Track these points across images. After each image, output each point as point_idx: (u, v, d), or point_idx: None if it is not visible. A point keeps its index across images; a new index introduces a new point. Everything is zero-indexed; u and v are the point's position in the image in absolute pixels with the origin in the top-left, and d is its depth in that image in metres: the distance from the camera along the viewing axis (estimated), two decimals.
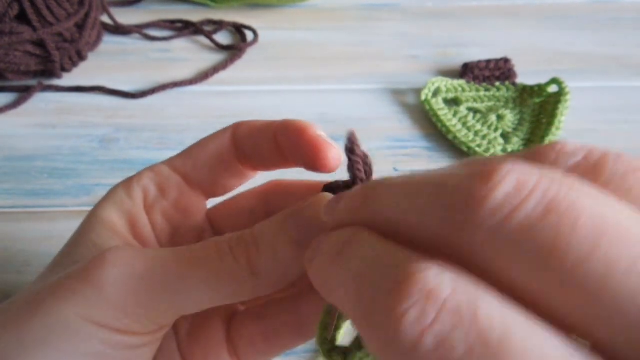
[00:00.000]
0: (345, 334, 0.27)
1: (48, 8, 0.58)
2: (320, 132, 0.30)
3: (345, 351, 0.26)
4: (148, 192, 0.31)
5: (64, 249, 0.30)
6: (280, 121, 0.31)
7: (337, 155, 0.29)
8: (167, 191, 0.32)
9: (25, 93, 0.60)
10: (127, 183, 0.31)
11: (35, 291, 0.26)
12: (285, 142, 0.30)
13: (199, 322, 0.32)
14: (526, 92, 0.58)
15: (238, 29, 0.68)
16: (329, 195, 0.27)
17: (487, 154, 0.52)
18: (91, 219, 0.30)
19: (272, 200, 0.34)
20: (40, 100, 0.60)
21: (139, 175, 0.32)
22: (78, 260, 0.28)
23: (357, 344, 0.26)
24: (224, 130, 0.32)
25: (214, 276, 0.26)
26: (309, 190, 0.32)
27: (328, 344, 0.26)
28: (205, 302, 0.26)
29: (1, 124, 0.57)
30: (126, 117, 0.58)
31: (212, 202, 0.35)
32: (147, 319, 0.25)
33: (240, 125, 0.32)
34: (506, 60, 0.60)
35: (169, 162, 0.32)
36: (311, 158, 0.29)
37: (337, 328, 0.27)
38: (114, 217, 0.30)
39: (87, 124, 0.57)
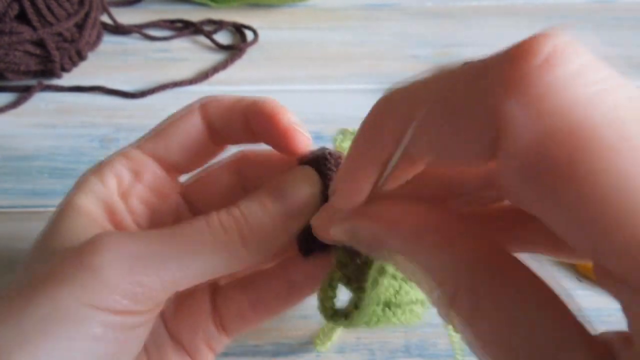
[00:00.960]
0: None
1: (48, 8, 0.58)
2: (290, 117, 0.31)
3: (346, 313, 0.29)
4: (122, 178, 0.31)
5: (40, 242, 0.29)
6: (250, 101, 0.32)
7: (305, 142, 0.31)
8: (141, 175, 0.31)
9: (25, 93, 0.60)
10: (99, 170, 0.31)
11: (26, 282, 0.26)
12: (256, 124, 0.31)
13: (183, 300, 0.33)
14: None
15: (238, 29, 0.68)
16: (308, 169, 0.30)
17: None
18: (66, 209, 0.29)
19: (245, 172, 0.35)
20: (40, 100, 0.60)
21: (110, 161, 0.31)
22: (57, 251, 0.27)
23: (355, 304, 0.29)
24: (191, 108, 0.32)
25: (207, 250, 0.27)
26: (281, 161, 0.33)
27: (330, 309, 0.29)
28: (199, 275, 0.27)
29: (1, 123, 0.57)
30: (126, 117, 0.58)
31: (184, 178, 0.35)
32: (145, 297, 0.26)
33: (208, 103, 0.32)
34: None
35: (140, 145, 0.32)
36: (281, 143, 0.31)
37: (334, 295, 0.30)
38: (90, 206, 0.29)
39: (87, 124, 0.57)
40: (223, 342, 0.34)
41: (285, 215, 0.29)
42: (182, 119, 0.32)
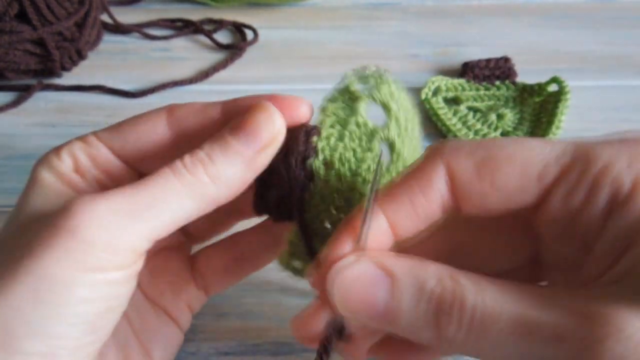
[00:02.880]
0: None
1: (48, 7, 0.58)
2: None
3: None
4: (78, 159, 0.32)
5: (11, 218, 0.30)
6: (229, 101, 0.32)
7: (308, 103, 0.31)
8: (98, 161, 0.32)
9: (25, 92, 0.60)
10: (57, 151, 0.32)
11: (9, 258, 0.26)
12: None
13: (160, 265, 0.36)
14: (526, 91, 0.58)
15: (238, 28, 0.68)
16: (267, 104, 0.30)
17: None
18: (31, 185, 0.31)
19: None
20: (40, 99, 0.60)
21: (69, 144, 0.32)
22: (31, 221, 0.28)
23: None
24: (157, 110, 0.32)
25: (177, 194, 0.28)
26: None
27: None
28: (175, 220, 0.28)
29: (1, 123, 0.57)
30: (126, 117, 0.57)
31: None
32: (126, 249, 0.27)
33: (176, 108, 0.32)
34: (506, 59, 0.60)
35: (97, 134, 0.33)
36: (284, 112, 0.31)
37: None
38: (52, 179, 0.30)
39: (87, 123, 0.57)
40: (202, 301, 0.37)
41: (250, 151, 0.30)
42: (143, 119, 0.32)
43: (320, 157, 0.31)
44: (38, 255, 0.26)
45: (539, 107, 0.56)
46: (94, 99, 0.60)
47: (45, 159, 0.32)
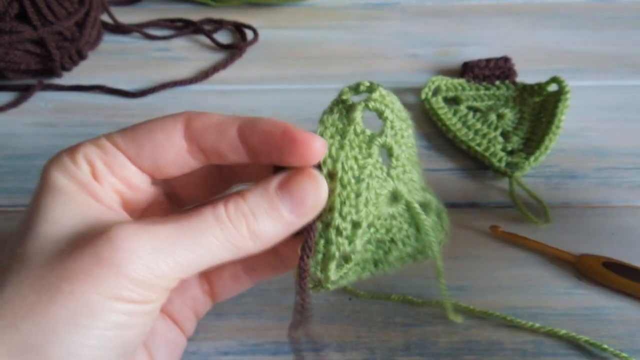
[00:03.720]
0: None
1: (48, 7, 0.58)
2: (296, 127, 0.31)
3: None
4: (95, 166, 0.31)
5: (28, 226, 0.29)
6: (247, 122, 0.31)
7: (321, 143, 0.31)
8: (114, 168, 0.31)
9: (25, 92, 0.60)
10: (71, 154, 0.31)
11: (41, 283, 0.27)
12: (256, 140, 0.31)
13: None
14: (526, 91, 0.58)
15: (238, 28, 0.68)
16: (316, 173, 0.31)
17: (487, 153, 0.52)
18: (49, 191, 0.30)
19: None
20: (41, 99, 0.60)
21: (83, 148, 0.31)
22: (58, 239, 0.28)
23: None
24: (174, 119, 0.32)
25: (217, 244, 0.29)
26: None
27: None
28: (209, 265, 0.30)
29: (1, 123, 0.57)
30: (126, 116, 0.58)
31: None
32: (160, 287, 0.28)
33: (193, 119, 0.32)
34: (506, 59, 0.60)
35: (112, 139, 0.32)
36: (295, 153, 0.30)
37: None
38: (71, 187, 0.30)
39: (88, 123, 0.57)
40: (208, 307, 0.38)
41: (293, 217, 0.31)
42: (160, 127, 0.32)
43: (324, 169, 0.32)
44: (79, 282, 0.26)
45: (539, 107, 0.56)
46: (94, 99, 0.60)
47: (59, 162, 0.31)
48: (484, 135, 0.54)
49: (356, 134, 0.32)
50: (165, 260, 0.28)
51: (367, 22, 0.69)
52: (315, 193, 0.31)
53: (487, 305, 0.42)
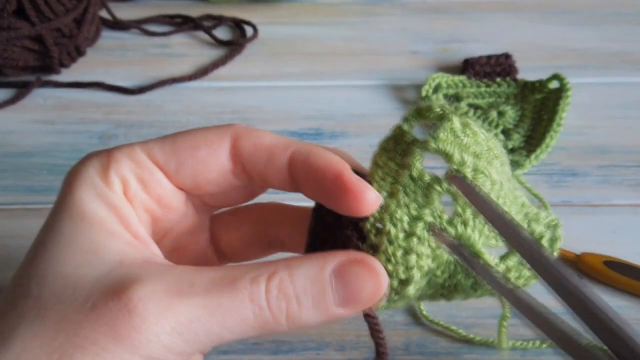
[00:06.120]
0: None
1: (46, 3, 0.57)
2: (351, 174, 0.27)
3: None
4: (128, 184, 0.28)
5: (49, 253, 0.26)
6: (301, 152, 0.28)
7: (374, 199, 0.27)
8: (149, 186, 0.29)
9: (23, 89, 0.59)
10: (104, 171, 0.28)
11: (53, 347, 0.24)
12: (305, 176, 0.28)
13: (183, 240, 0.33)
14: (527, 88, 0.58)
15: (237, 24, 0.68)
16: (370, 258, 0.27)
17: None
18: (73, 215, 0.27)
19: (270, 220, 0.33)
20: (39, 96, 0.59)
21: (115, 161, 0.28)
22: (80, 278, 0.25)
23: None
24: (220, 134, 0.29)
25: (245, 327, 0.25)
26: (309, 217, 0.30)
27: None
28: (236, 338, 0.26)
29: None
30: (125, 113, 0.58)
31: None
32: (185, 353, 0.25)
33: (242, 136, 0.29)
34: (507, 56, 0.60)
35: (149, 151, 0.29)
36: (343, 202, 0.27)
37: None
38: (100, 212, 0.27)
39: (86, 120, 0.57)
40: None
41: (340, 312, 0.27)
42: (204, 143, 0.29)
43: (371, 218, 0.28)
44: (91, 355, 0.24)
45: (540, 104, 0.56)
46: (92, 95, 0.60)
47: (88, 179, 0.28)
48: None
49: (412, 180, 0.28)
50: (185, 341, 0.25)
51: (368, 19, 0.69)
52: (374, 292, 0.27)
53: (487, 304, 0.42)
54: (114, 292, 0.24)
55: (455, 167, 0.27)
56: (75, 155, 0.53)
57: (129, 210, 0.28)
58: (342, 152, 0.30)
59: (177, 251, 0.32)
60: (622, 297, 0.42)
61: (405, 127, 0.28)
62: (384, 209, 0.27)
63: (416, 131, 0.29)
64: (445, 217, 0.28)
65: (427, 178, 0.27)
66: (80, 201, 0.27)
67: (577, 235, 0.46)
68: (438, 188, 0.27)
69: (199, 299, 0.25)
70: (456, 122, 0.28)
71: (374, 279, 0.27)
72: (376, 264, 0.27)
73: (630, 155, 0.52)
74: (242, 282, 0.25)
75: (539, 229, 0.29)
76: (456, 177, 0.27)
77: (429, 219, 0.27)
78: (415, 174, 0.27)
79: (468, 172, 0.27)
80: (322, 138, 0.55)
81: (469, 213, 0.28)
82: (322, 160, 0.28)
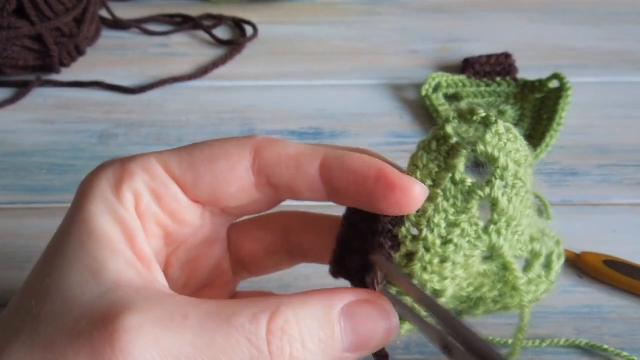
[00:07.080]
0: None
1: (46, 3, 0.57)
2: (394, 170, 0.26)
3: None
4: (140, 199, 0.27)
5: (50, 265, 0.26)
6: (332, 157, 0.27)
7: (422, 192, 0.26)
8: (163, 200, 0.28)
9: (23, 88, 0.59)
10: (117, 184, 0.27)
11: (71, 338, 0.23)
12: (345, 184, 0.27)
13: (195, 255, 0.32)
14: (527, 88, 0.58)
15: (237, 24, 0.68)
16: (380, 298, 0.26)
17: None
18: (81, 230, 0.26)
19: (294, 228, 0.33)
20: (39, 96, 0.59)
21: (129, 175, 0.27)
22: (71, 289, 0.25)
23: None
24: (240, 146, 0.28)
25: None
26: (333, 226, 0.29)
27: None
28: None
29: None
30: (125, 113, 0.58)
31: None
32: None
33: (264, 148, 0.27)
34: (507, 56, 0.60)
35: (165, 164, 0.28)
36: (389, 200, 0.26)
37: None
38: (108, 228, 0.26)
39: (86, 120, 0.57)
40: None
41: (348, 355, 0.25)
42: (224, 156, 0.27)
43: (407, 223, 0.27)
44: None
45: (540, 104, 0.56)
46: (92, 95, 0.60)
47: (100, 192, 0.27)
48: None
49: (454, 183, 0.27)
50: None
51: (368, 18, 0.69)
52: (386, 336, 0.25)
53: None
54: (102, 319, 0.23)
55: (499, 171, 0.26)
56: (75, 155, 0.53)
57: (137, 228, 0.27)
58: (369, 151, 0.29)
59: (191, 262, 0.31)
60: (622, 296, 0.42)
61: (449, 129, 0.27)
62: (421, 213, 0.26)
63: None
64: (481, 224, 0.27)
65: (468, 182, 0.26)
66: (90, 216, 0.26)
67: (577, 234, 0.46)
68: (480, 193, 0.26)
69: (190, 334, 0.23)
70: (502, 126, 0.27)
71: (385, 321, 0.25)
72: (387, 304, 0.26)
73: (630, 155, 0.52)
74: (240, 319, 0.23)
75: (550, 244, 0.29)
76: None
77: (466, 225, 0.26)
78: (458, 177, 0.26)
79: (509, 178, 0.27)
80: (322, 138, 0.55)
81: (503, 222, 0.27)
82: (360, 161, 0.26)
